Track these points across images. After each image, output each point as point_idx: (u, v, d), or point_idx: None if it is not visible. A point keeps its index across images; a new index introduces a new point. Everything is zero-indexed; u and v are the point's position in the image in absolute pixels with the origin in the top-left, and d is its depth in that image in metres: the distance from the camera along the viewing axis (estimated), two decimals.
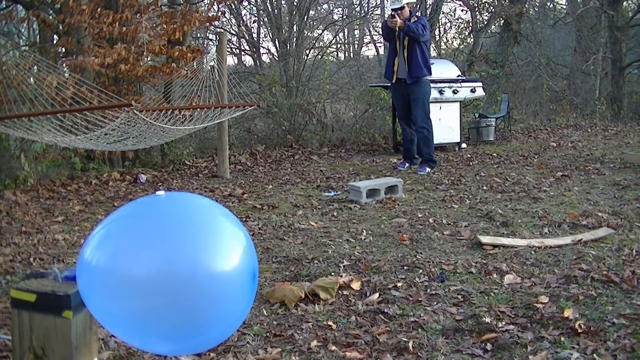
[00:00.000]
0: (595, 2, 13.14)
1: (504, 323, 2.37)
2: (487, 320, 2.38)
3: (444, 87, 7.59)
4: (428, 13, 11.40)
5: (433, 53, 12.92)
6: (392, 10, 6.23)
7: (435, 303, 2.63)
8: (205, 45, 11.69)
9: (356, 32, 17.75)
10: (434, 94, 7.07)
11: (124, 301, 1.40)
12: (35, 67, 5.50)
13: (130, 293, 1.39)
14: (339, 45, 16.66)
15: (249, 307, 1.61)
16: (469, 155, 7.24)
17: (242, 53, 13.65)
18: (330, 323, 2.45)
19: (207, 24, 8.30)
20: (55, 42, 6.96)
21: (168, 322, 1.41)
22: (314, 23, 13.06)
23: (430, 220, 4.10)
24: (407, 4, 6.25)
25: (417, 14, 6.79)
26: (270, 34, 11.89)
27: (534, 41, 12.72)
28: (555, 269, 3.00)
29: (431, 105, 6.60)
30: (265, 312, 2.61)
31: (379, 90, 8.87)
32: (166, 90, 6.82)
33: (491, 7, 12.20)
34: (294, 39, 10.89)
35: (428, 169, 6.21)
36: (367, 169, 6.59)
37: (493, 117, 8.79)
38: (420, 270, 3.06)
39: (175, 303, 1.39)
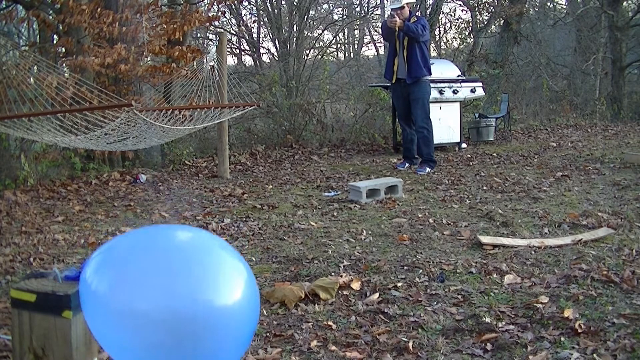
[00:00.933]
0: (595, 2, 13.14)
1: (504, 323, 2.37)
2: (487, 320, 2.38)
3: (444, 87, 7.59)
4: (428, 13, 11.40)
5: (433, 53, 12.92)
6: (392, 10, 6.23)
7: (435, 303, 2.63)
8: (205, 45, 11.70)
9: (356, 32, 17.74)
10: (434, 94, 7.07)
11: (121, 330, 1.38)
12: (35, 67, 5.50)
13: (129, 325, 1.37)
14: (339, 45, 16.65)
15: (251, 336, 1.59)
16: (469, 155, 7.24)
17: (242, 53, 13.67)
18: (330, 323, 2.45)
19: (207, 24, 8.31)
20: (55, 42, 6.96)
21: (170, 357, 1.39)
22: (314, 23, 13.05)
23: (430, 220, 4.10)
24: (407, 4, 6.25)
25: (417, 14, 6.79)
26: (270, 34, 11.90)
27: (534, 41, 12.71)
28: (555, 269, 3.00)
29: (431, 105, 6.60)
30: (265, 312, 2.61)
31: (379, 90, 8.87)
32: (166, 90, 6.82)
33: (491, 7, 12.20)
34: (294, 39, 10.89)
35: (428, 169, 6.21)
36: (367, 169, 6.59)
37: (493, 117, 8.79)
38: (420, 270, 3.06)
39: (177, 339, 1.37)
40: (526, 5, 12.05)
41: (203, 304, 1.40)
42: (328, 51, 13.19)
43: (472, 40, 12.51)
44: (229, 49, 11.12)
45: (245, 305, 1.49)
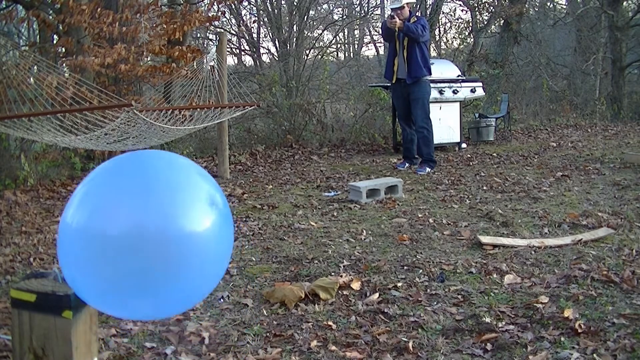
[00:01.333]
0: (595, 2, 13.14)
1: (504, 323, 2.37)
2: (487, 320, 2.38)
3: (444, 87, 7.59)
4: (428, 13, 11.41)
5: (433, 53, 12.92)
6: (392, 10, 6.23)
7: (435, 303, 2.63)
8: (205, 45, 11.70)
9: (356, 32, 17.75)
10: (434, 94, 7.07)
11: (98, 262, 1.37)
12: (35, 67, 5.49)
13: (103, 252, 1.37)
14: (339, 45, 16.66)
15: (223, 270, 1.57)
16: (469, 155, 7.24)
17: (242, 53, 13.67)
18: (330, 323, 2.45)
19: (207, 24, 8.30)
20: (55, 42, 6.96)
21: (144, 281, 1.38)
22: (314, 23, 13.06)
23: (430, 220, 4.10)
24: (407, 4, 6.25)
25: (417, 14, 6.79)
26: (270, 34, 11.90)
27: (534, 41, 12.72)
28: (555, 269, 3.00)
29: (431, 105, 6.60)
30: (265, 312, 2.61)
31: (379, 90, 8.87)
32: (166, 90, 6.81)
33: (491, 7, 12.21)
34: (294, 39, 10.89)
35: (428, 169, 6.21)
36: (367, 169, 6.59)
37: (493, 117, 8.79)
38: (420, 270, 3.06)
39: (149, 260, 1.36)
40: (526, 5, 12.06)
41: (172, 226, 1.39)
42: (328, 51, 13.19)
43: (472, 40, 12.52)
44: (229, 49, 11.12)
45: (217, 233, 1.48)
